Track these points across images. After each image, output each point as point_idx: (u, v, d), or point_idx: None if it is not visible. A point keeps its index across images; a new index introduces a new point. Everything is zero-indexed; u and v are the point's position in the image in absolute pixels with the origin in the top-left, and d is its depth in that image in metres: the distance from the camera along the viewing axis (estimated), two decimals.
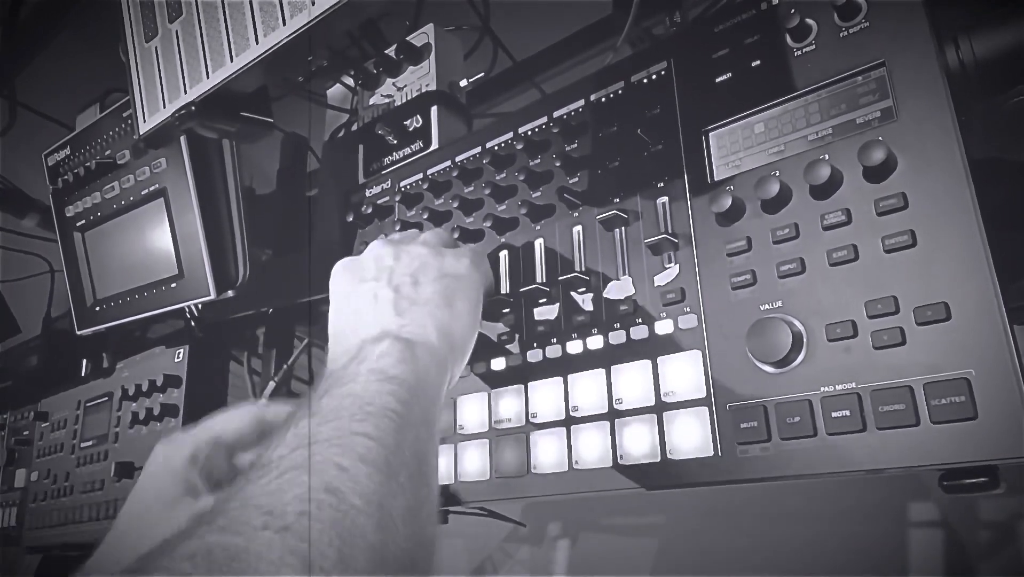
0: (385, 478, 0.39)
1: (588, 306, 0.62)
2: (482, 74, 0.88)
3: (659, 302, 0.57)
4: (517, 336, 0.65)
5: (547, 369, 0.62)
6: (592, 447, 0.58)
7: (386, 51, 0.85)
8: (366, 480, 0.38)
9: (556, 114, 0.68)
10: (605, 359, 0.59)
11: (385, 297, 0.54)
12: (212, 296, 0.89)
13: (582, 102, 0.67)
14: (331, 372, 0.48)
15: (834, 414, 0.47)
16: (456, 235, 0.71)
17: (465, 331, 0.55)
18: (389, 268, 0.56)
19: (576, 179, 0.66)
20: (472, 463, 0.64)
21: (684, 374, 0.55)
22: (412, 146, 0.81)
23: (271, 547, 0.32)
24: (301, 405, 0.45)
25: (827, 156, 0.52)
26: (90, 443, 1.15)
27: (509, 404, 0.63)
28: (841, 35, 0.53)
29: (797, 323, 0.50)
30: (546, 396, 0.61)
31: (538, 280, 0.66)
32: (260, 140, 0.88)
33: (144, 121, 0.86)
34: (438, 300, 0.54)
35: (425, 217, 0.73)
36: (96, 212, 1.05)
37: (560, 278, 0.62)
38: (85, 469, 1.13)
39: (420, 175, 0.78)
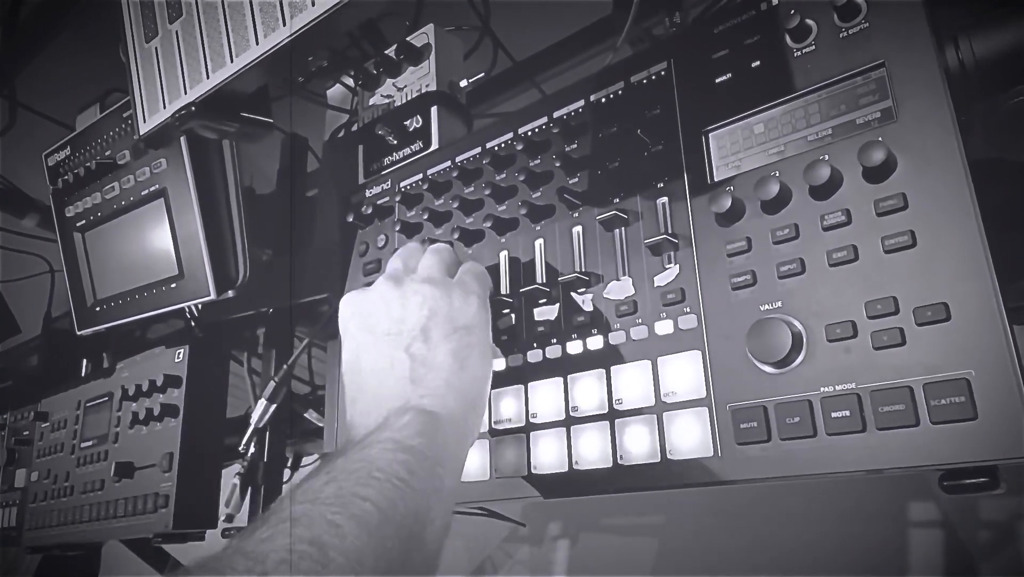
0: (370, 540, 0.41)
1: (588, 306, 0.62)
2: (482, 74, 0.88)
3: (659, 302, 0.57)
4: (517, 336, 0.65)
5: (547, 369, 0.62)
6: (592, 447, 0.58)
7: (386, 51, 0.85)
8: (352, 540, 0.40)
9: (556, 114, 0.68)
10: (605, 359, 0.59)
11: (401, 364, 0.55)
12: (212, 296, 0.89)
13: (582, 102, 0.67)
14: (353, 438, 0.51)
15: (834, 414, 0.47)
16: (456, 235, 0.71)
17: (480, 388, 0.57)
18: (399, 319, 0.56)
19: (576, 179, 0.66)
20: (472, 463, 0.64)
21: (684, 374, 0.55)
22: (412, 146, 0.81)
23: None
24: (325, 460, 0.48)
25: (827, 156, 0.52)
26: (90, 443, 1.15)
27: (509, 404, 0.64)
28: (841, 36, 0.53)
29: (797, 323, 0.50)
30: (546, 396, 0.61)
31: (538, 280, 0.66)
32: (260, 140, 0.88)
33: (144, 121, 0.86)
34: (451, 363, 0.55)
35: (425, 217, 0.73)
36: (96, 212, 1.05)
37: (560, 279, 0.62)
38: (85, 469, 1.13)
39: (420, 175, 0.78)
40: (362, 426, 0.53)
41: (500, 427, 0.63)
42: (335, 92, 1.03)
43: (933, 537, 1.36)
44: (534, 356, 0.63)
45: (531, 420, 0.62)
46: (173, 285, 0.94)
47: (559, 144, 0.67)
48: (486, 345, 0.58)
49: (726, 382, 0.53)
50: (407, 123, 0.83)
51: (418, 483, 0.46)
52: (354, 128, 0.92)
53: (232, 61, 0.74)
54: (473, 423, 0.56)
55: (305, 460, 1.24)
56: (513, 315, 0.66)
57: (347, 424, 0.56)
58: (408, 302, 0.57)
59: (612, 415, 0.57)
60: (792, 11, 0.55)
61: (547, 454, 0.60)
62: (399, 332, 0.56)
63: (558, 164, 0.66)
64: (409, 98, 0.84)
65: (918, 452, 0.44)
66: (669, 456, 0.54)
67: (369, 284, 0.61)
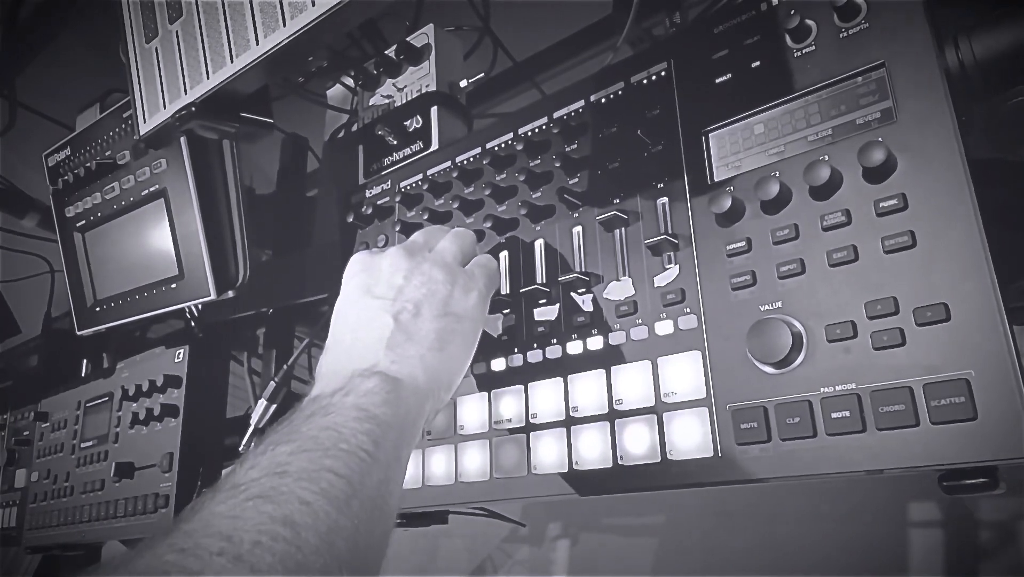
0: (341, 517, 0.40)
1: (588, 307, 0.62)
2: (482, 74, 0.88)
3: (659, 303, 0.57)
4: (517, 337, 0.65)
5: (547, 369, 0.62)
6: (592, 447, 0.58)
7: (386, 51, 0.85)
8: (324, 517, 0.39)
9: (556, 115, 0.68)
10: (605, 359, 0.59)
11: (383, 326, 0.55)
12: (212, 296, 0.89)
13: (582, 103, 0.67)
14: (318, 397, 0.50)
15: (834, 415, 0.47)
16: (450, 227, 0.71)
17: (452, 374, 0.57)
18: (398, 288, 0.57)
19: (576, 180, 0.66)
20: (472, 463, 0.64)
21: (684, 375, 0.55)
22: (412, 147, 0.81)
23: (222, 574, 0.34)
24: (284, 423, 0.47)
25: (827, 157, 0.52)
26: (90, 443, 1.15)
27: (509, 404, 0.64)
28: (841, 36, 0.53)
29: (797, 324, 0.50)
30: (546, 396, 0.61)
31: (538, 281, 0.66)
32: (260, 140, 0.88)
33: (144, 122, 0.86)
34: (432, 341, 0.55)
35: (425, 218, 0.73)
36: (96, 212, 1.05)
37: (560, 279, 0.62)
38: (85, 469, 1.13)
39: (420, 176, 0.78)
40: (327, 378, 0.53)
41: (500, 427, 0.63)
42: (335, 92, 1.03)
43: (933, 537, 1.36)
44: (534, 356, 0.63)
45: (531, 420, 0.62)
46: (173, 285, 0.94)
47: (559, 144, 0.67)
48: (471, 338, 0.58)
49: (726, 382, 0.53)
50: (407, 123, 0.83)
51: (383, 455, 0.46)
52: (354, 128, 0.92)
53: (232, 61, 0.74)
54: (431, 405, 0.56)
55: None
56: (513, 315, 0.66)
57: (316, 372, 0.56)
58: (412, 277, 0.57)
59: (612, 415, 0.57)
60: (792, 11, 0.55)
61: (547, 454, 0.60)
62: (393, 299, 0.56)
63: (558, 164, 0.66)
64: (409, 98, 0.84)
65: (918, 452, 0.44)
66: (669, 456, 0.54)
67: None
